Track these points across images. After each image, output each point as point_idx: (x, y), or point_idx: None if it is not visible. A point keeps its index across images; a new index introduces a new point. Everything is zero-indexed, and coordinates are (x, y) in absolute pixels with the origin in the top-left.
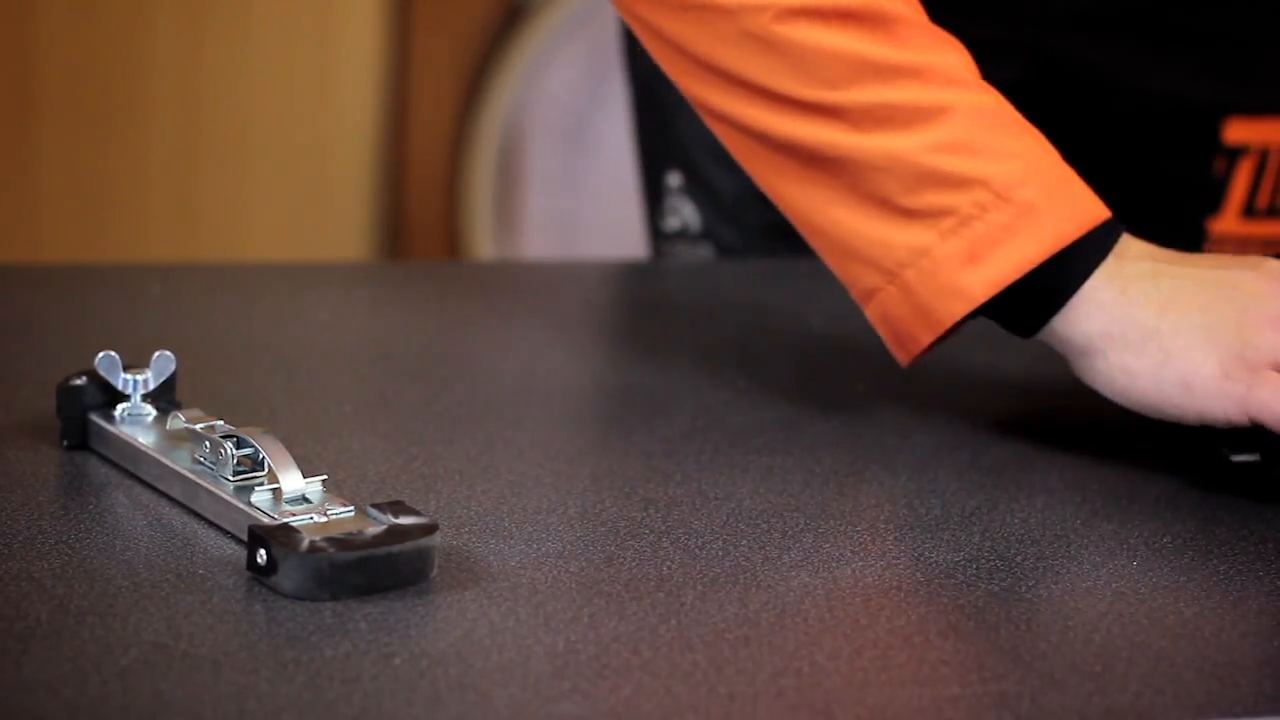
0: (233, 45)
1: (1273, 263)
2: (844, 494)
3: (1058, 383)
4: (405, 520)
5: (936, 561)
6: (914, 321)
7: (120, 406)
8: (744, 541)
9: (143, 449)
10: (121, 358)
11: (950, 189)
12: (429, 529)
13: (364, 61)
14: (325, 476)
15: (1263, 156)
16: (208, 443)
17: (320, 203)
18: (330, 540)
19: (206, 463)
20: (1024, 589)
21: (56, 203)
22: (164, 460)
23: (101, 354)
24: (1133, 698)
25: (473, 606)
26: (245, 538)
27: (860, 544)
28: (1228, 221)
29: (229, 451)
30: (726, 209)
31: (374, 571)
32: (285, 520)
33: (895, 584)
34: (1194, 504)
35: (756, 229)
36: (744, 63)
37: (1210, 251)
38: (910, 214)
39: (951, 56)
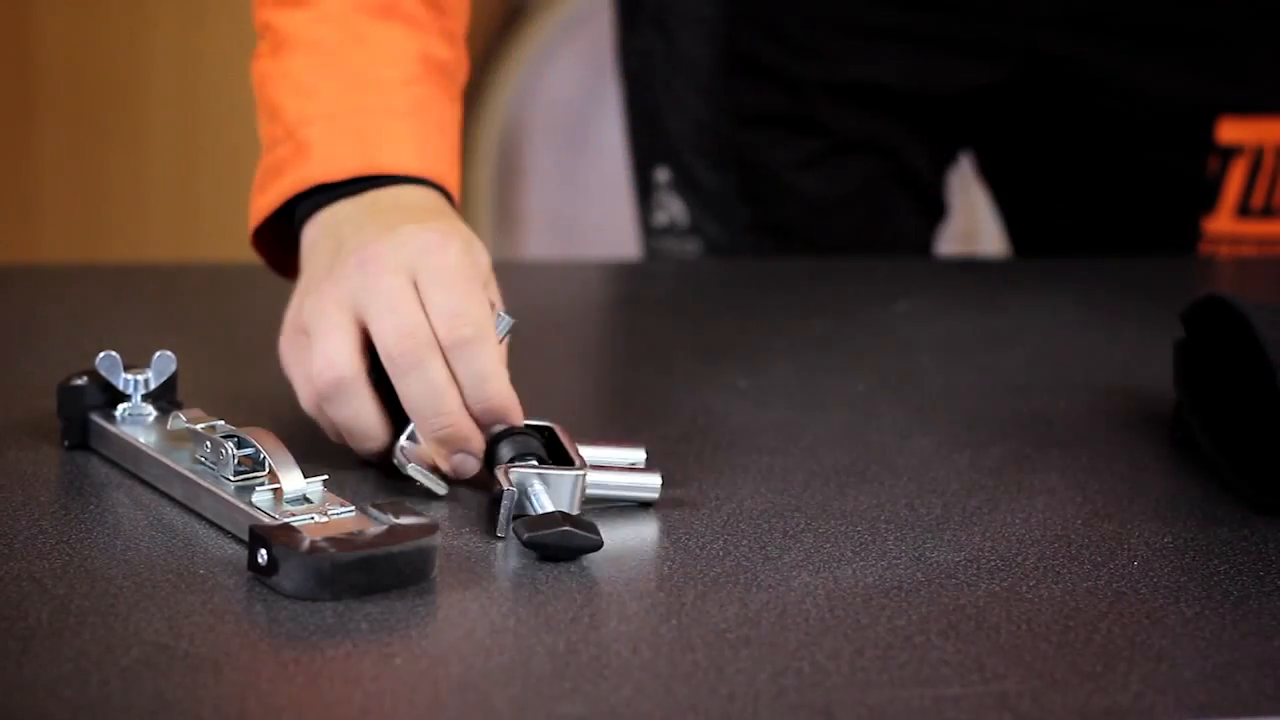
0: (233, 46)
1: (388, 250)
2: (844, 494)
3: (1058, 383)
4: (406, 520)
5: (936, 561)
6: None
7: (121, 406)
8: (744, 541)
9: (144, 449)
10: (122, 358)
11: (269, 118)
12: (429, 529)
13: None
14: (326, 476)
15: (1258, 156)
16: (208, 443)
17: None
18: (331, 540)
19: (207, 463)
20: (1024, 589)
21: (56, 203)
22: (165, 460)
23: (102, 354)
24: (1133, 698)
25: (473, 606)
26: (246, 538)
27: (861, 544)
28: (1223, 220)
29: (230, 451)
30: (712, 205)
31: (375, 571)
32: (286, 520)
33: (895, 584)
34: (1194, 504)
35: (742, 225)
36: None
37: (1206, 250)
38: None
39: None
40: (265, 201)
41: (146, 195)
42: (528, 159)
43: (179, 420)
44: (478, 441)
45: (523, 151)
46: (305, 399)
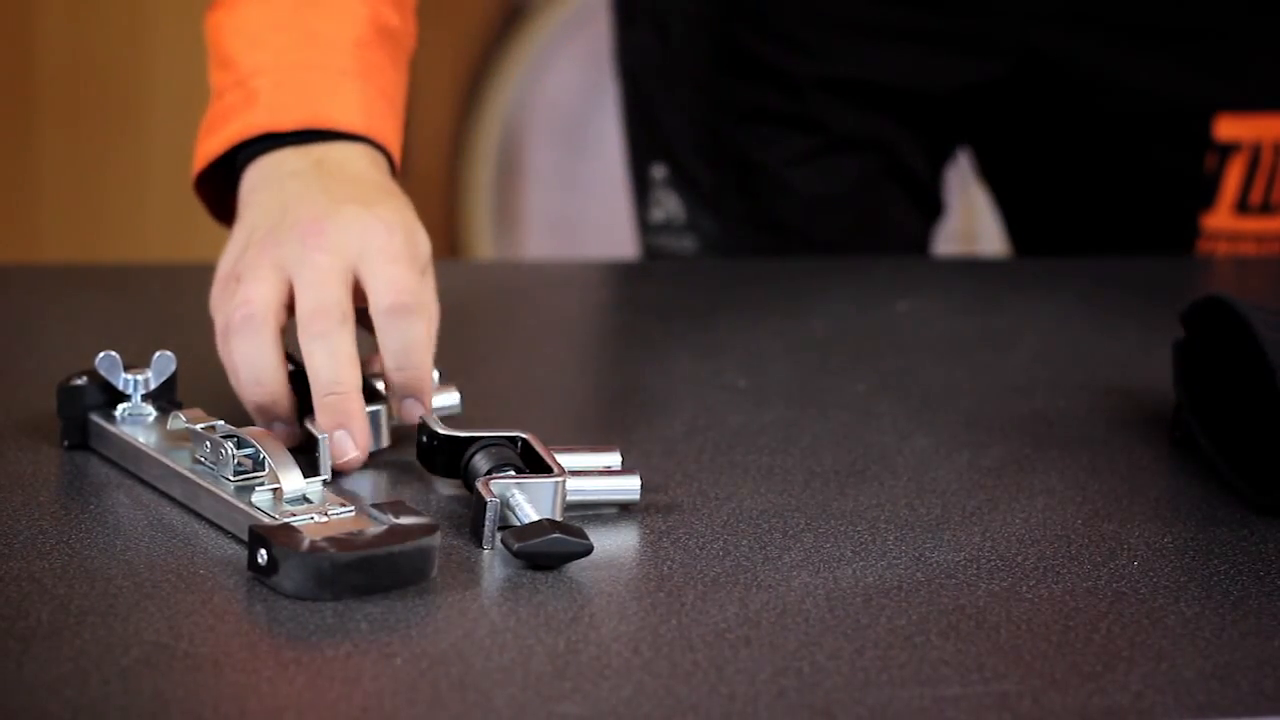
0: None
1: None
2: (844, 494)
3: (1058, 383)
4: (406, 520)
5: (936, 561)
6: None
7: (121, 406)
8: (744, 541)
9: (143, 449)
10: (122, 358)
11: (219, 67)
12: (430, 529)
13: None
14: (326, 477)
15: (1255, 153)
16: (208, 443)
17: None
18: (331, 540)
19: (207, 463)
20: (1024, 589)
21: (56, 203)
22: (165, 460)
23: (102, 354)
24: (1133, 698)
25: (473, 606)
26: (246, 538)
27: (861, 544)
28: (1221, 217)
29: (230, 451)
30: (709, 201)
31: (375, 571)
32: (286, 520)
33: (895, 584)
34: (1194, 504)
35: (738, 221)
36: None
37: (1205, 248)
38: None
39: None
40: (210, 147)
41: (146, 195)
42: (528, 159)
43: (179, 420)
44: (361, 424)
45: (523, 151)
46: (218, 336)
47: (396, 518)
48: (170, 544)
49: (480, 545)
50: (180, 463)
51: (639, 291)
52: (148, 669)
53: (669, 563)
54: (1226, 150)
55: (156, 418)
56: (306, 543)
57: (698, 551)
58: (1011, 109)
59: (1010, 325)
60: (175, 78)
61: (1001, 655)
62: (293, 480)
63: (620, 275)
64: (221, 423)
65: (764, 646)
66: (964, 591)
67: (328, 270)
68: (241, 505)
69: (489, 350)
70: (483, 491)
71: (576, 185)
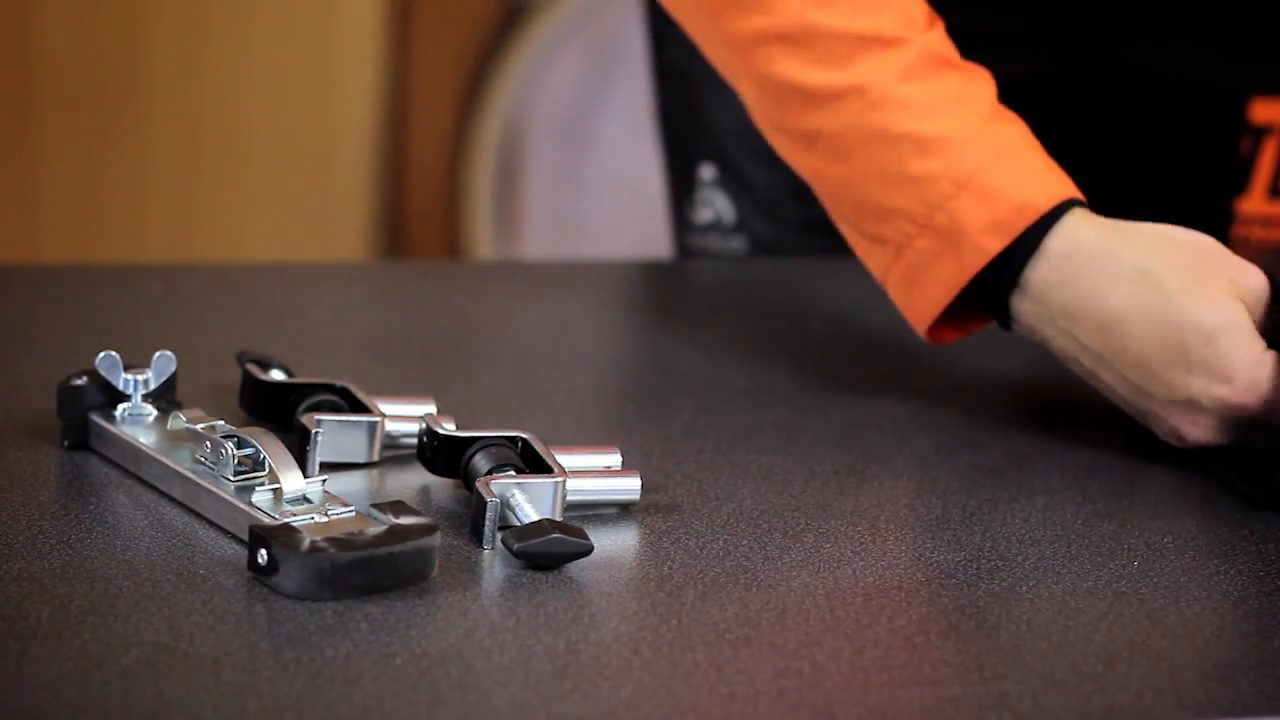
0: (233, 45)
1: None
2: (844, 494)
3: (1058, 383)
4: (406, 520)
5: (937, 561)
6: (910, 319)
7: (121, 406)
8: (744, 541)
9: (144, 449)
10: (122, 358)
11: (881, 219)
12: (429, 529)
13: (364, 61)
14: (326, 477)
15: None
16: (208, 443)
17: (320, 203)
18: (331, 540)
19: (207, 463)
20: (1024, 589)
21: (56, 203)
22: (165, 460)
23: (102, 354)
24: (1133, 698)
25: (473, 606)
26: (246, 538)
27: (861, 544)
28: (1255, 201)
29: (230, 451)
30: (761, 203)
31: (375, 571)
32: (286, 520)
33: (896, 584)
34: (1194, 504)
35: (792, 223)
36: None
37: (1238, 233)
38: (871, 237)
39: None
40: (932, 295)
41: (146, 195)
42: (528, 159)
43: (179, 420)
44: None
45: (523, 151)
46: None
47: (396, 518)
48: (170, 544)
49: (480, 545)
50: (180, 463)
51: (639, 291)
52: (148, 669)
53: (669, 563)
54: (1260, 134)
55: (156, 418)
56: (306, 543)
57: (698, 551)
58: (1048, 104)
59: None
60: (175, 78)
61: (1001, 655)
62: (293, 480)
63: (620, 275)
64: (221, 423)
65: (764, 646)
66: (964, 591)
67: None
68: (241, 505)
69: (490, 350)
70: (483, 491)
71: (576, 185)
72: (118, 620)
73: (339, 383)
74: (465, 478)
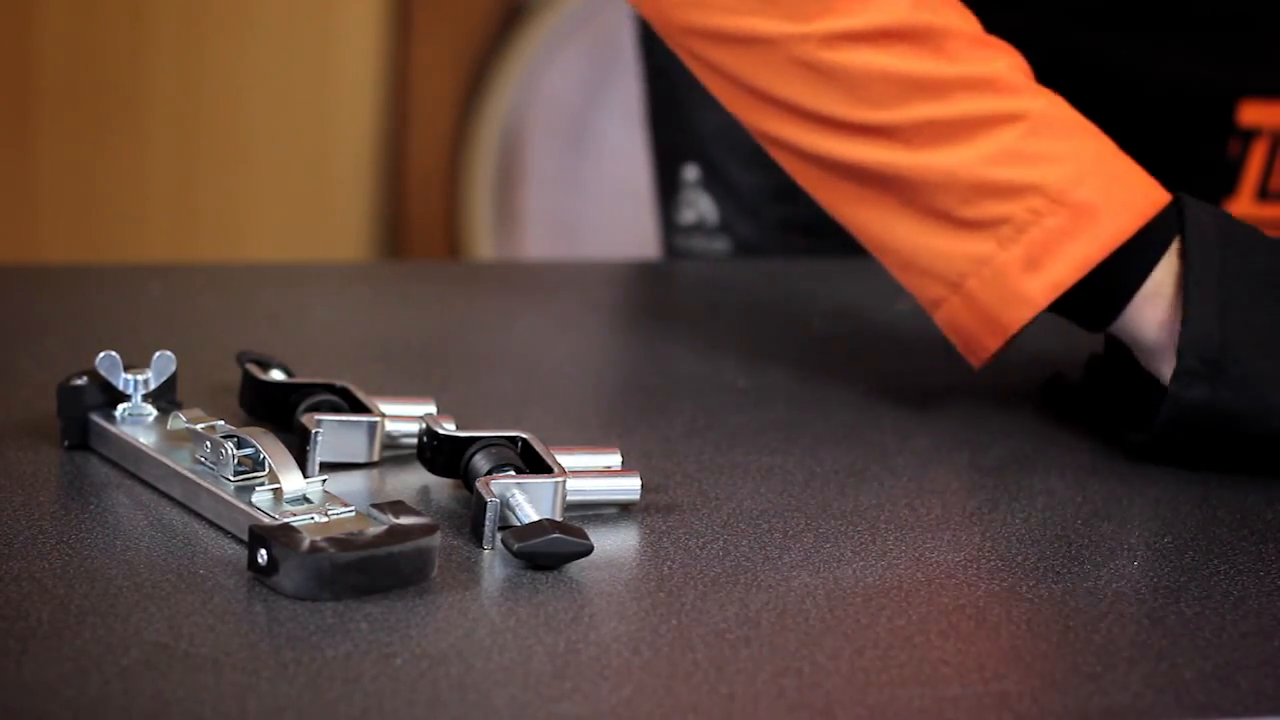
0: (233, 45)
1: None
2: (844, 494)
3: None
4: (406, 520)
5: (936, 561)
6: (980, 328)
7: (121, 406)
8: (744, 541)
9: (143, 449)
10: (122, 358)
11: (1005, 198)
12: (430, 529)
13: (364, 61)
14: (326, 477)
15: (1276, 139)
16: (208, 443)
17: (320, 202)
18: (331, 540)
19: (207, 463)
20: (1024, 589)
21: (56, 203)
22: (165, 460)
23: (102, 354)
24: (1133, 698)
25: (473, 606)
26: (246, 538)
27: (861, 544)
28: (1242, 204)
29: (230, 451)
30: (744, 204)
31: (375, 571)
32: (286, 520)
33: (895, 584)
34: (1194, 504)
35: (774, 224)
36: (796, 90)
37: None
38: (969, 225)
39: (1001, 64)
40: (1057, 276)
41: (146, 195)
42: (528, 159)
43: (179, 420)
44: None
45: (523, 151)
46: None
47: (396, 518)
48: (170, 544)
49: (480, 545)
50: (180, 463)
51: (639, 292)
52: (148, 669)
53: (669, 563)
54: (1249, 136)
55: (156, 418)
56: (306, 543)
57: (698, 551)
58: None
59: None
60: (175, 78)
61: (1001, 655)
62: (293, 480)
63: (621, 275)
64: (221, 423)
65: (764, 646)
66: (964, 591)
67: None
68: (241, 505)
69: (489, 350)
70: (483, 491)
71: (576, 185)
72: (118, 620)
73: (339, 383)
74: (465, 478)
